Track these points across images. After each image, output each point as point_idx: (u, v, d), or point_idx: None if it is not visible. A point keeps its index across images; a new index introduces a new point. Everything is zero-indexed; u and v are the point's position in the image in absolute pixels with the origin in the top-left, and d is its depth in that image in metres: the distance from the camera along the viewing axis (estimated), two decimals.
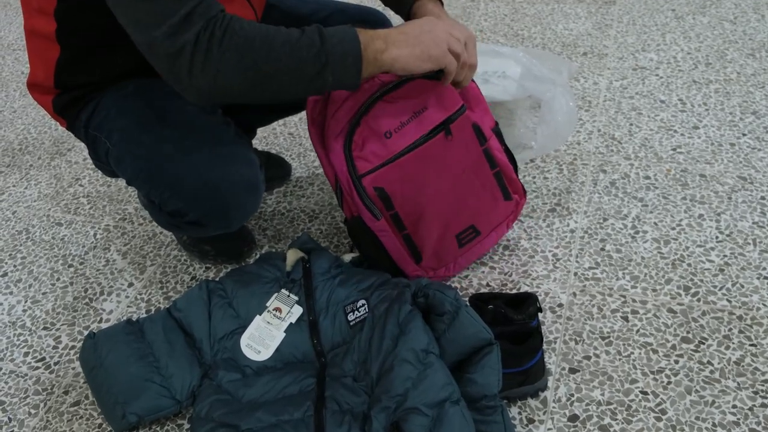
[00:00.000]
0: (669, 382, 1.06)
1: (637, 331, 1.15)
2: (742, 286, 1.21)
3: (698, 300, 1.19)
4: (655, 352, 1.11)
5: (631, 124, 1.68)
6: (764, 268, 1.25)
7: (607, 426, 1.01)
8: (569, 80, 1.69)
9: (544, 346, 1.11)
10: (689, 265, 1.27)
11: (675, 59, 1.93)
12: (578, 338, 1.15)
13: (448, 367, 0.99)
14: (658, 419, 1.01)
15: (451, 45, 1.02)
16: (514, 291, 1.25)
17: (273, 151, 1.71)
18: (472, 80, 1.18)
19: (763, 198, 1.41)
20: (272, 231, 1.47)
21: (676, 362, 1.09)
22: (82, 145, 1.51)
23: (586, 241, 1.34)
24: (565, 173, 1.53)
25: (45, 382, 1.18)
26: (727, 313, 1.16)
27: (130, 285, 1.37)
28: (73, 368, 1.20)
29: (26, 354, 1.24)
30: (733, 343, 1.11)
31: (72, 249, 1.49)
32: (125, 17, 0.92)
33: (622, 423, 1.01)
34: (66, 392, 1.16)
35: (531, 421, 1.03)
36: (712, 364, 1.08)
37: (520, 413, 1.04)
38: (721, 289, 1.21)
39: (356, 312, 1.11)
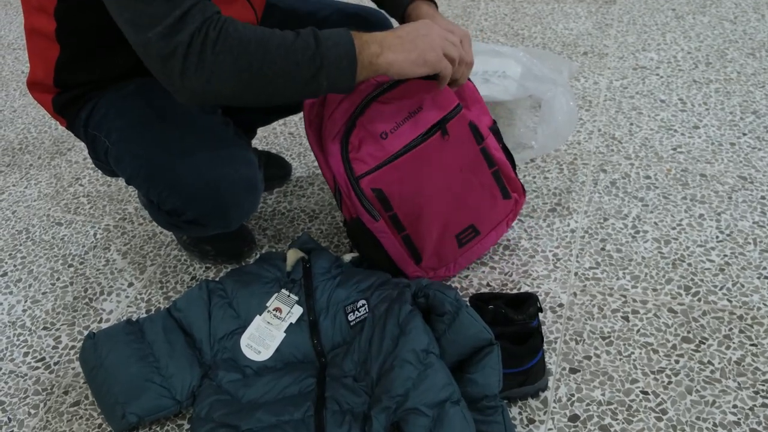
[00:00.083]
0: (669, 382, 1.06)
1: (638, 331, 1.15)
2: (743, 286, 1.21)
3: (699, 300, 1.19)
4: (655, 352, 1.11)
5: (632, 124, 1.67)
6: (765, 268, 1.24)
7: (607, 426, 1.01)
8: (569, 80, 1.69)
9: (545, 346, 1.11)
10: (690, 264, 1.27)
11: (675, 59, 1.93)
12: (579, 338, 1.14)
13: (448, 368, 0.98)
14: (659, 419, 1.01)
15: (447, 49, 1.02)
16: (515, 291, 1.25)
17: (273, 151, 1.70)
18: (469, 79, 1.17)
19: (763, 197, 1.41)
20: (272, 231, 1.47)
21: (677, 362, 1.09)
22: (82, 144, 1.50)
23: (587, 241, 1.34)
24: (566, 173, 1.53)
25: (45, 382, 1.18)
26: (728, 313, 1.16)
27: (130, 285, 1.37)
28: (73, 368, 1.20)
29: (26, 354, 1.24)
30: (733, 342, 1.11)
31: (72, 249, 1.49)
32: (121, 17, 0.92)
33: (623, 423, 1.01)
34: (66, 392, 1.16)
35: (531, 421, 1.03)
36: (713, 364, 1.08)
37: (520, 413, 1.04)
38: (721, 288, 1.21)
39: (356, 312, 1.10)
